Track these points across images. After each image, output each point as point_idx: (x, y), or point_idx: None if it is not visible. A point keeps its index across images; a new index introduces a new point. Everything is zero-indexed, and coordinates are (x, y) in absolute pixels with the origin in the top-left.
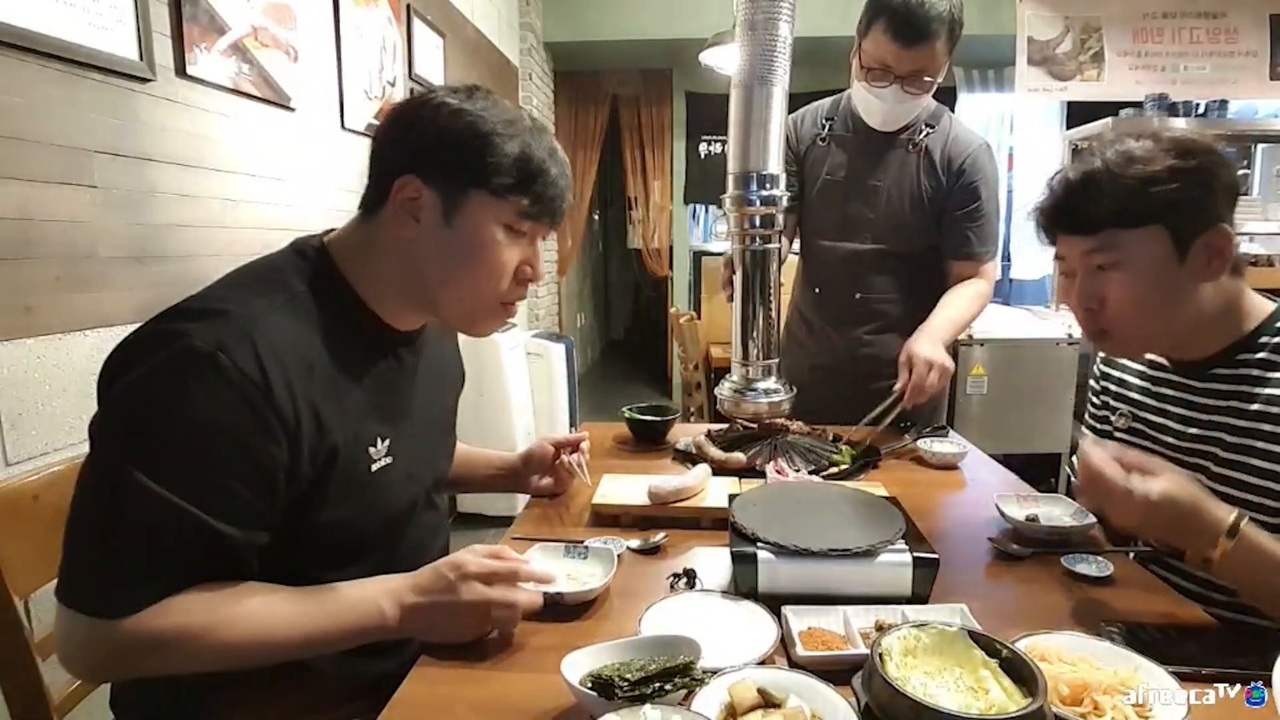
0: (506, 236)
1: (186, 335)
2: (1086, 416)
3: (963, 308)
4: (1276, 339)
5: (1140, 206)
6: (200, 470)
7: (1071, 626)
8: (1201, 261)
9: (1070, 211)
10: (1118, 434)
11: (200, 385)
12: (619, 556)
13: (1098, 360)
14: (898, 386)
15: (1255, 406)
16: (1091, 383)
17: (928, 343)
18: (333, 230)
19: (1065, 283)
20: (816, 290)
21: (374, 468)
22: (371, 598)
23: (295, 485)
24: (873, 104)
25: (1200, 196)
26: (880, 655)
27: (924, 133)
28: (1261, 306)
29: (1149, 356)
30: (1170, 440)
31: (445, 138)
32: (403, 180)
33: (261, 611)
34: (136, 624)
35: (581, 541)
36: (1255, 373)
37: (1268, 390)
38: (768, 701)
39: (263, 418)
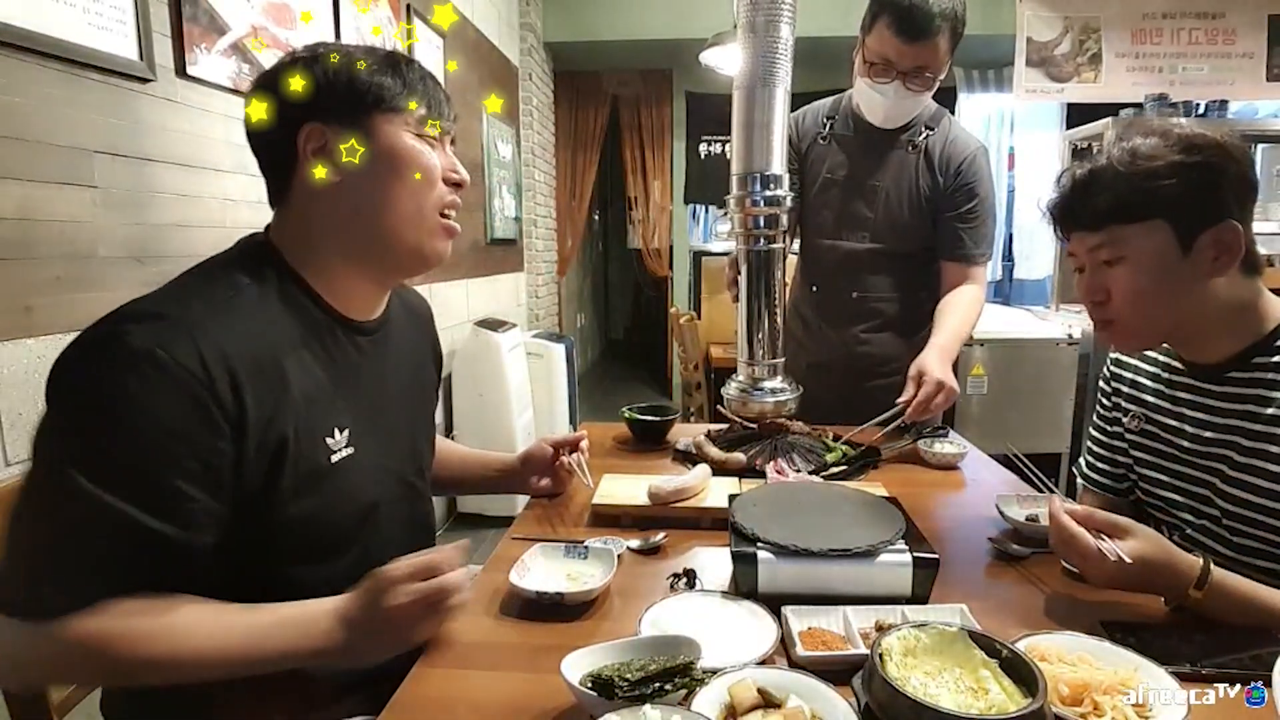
0: (421, 142)
1: (126, 334)
2: (1095, 417)
3: (966, 318)
4: None
5: (1140, 201)
6: (139, 468)
7: (1071, 626)
8: (1208, 256)
9: (1076, 208)
10: (1129, 435)
11: (139, 382)
12: (619, 557)
13: (1108, 361)
14: (903, 399)
15: (1271, 411)
16: (1101, 383)
17: (939, 363)
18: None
19: (1078, 278)
20: (814, 288)
21: (334, 458)
22: (310, 614)
23: (246, 480)
24: (875, 100)
25: (1204, 192)
26: (880, 655)
27: (924, 134)
28: (1278, 308)
29: (1163, 359)
30: (1184, 444)
31: (325, 84)
32: (307, 130)
33: (191, 624)
34: (63, 629)
35: (581, 542)
36: (1271, 376)
37: None
38: (768, 701)
39: (205, 411)
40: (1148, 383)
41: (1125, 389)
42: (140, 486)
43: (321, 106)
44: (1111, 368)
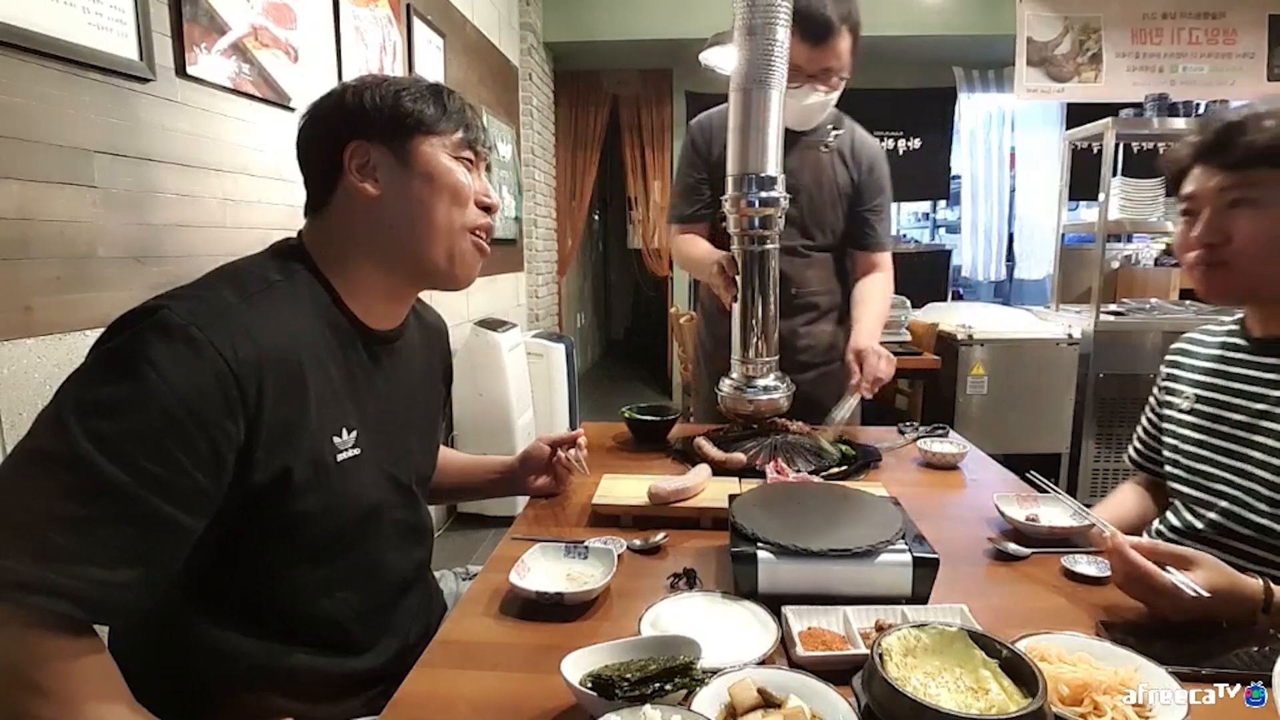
0: (455, 164)
1: (167, 309)
2: (1150, 400)
3: (882, 304)
4: None
5: None
6: (145, 438)
7: (1071, 626)
8: None
9: (1220, 146)
10: (1179, 415)
11: (170, 352)
12: (619, 556)
13: (1180, 341)
14: (854, 381)
15: None
16: (1164, 366)
17: (871, 340)
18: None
19: (1185, 224)
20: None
21: (340, 457)
22: None
23: (254, 470)
24: (789, 104)
25: None
26: (880, 655)
27: (833, 133)
28: None
29: (1224, 337)
30: (1233, 416)
31: (372, 107)
32: (351, 148)
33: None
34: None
35: (581, 542)
36: None
37: None
38: (768, 701)
39: (227, 393)
40: (1206, 364)
41: (1184, 372)
42: (143, 455)
43: (367, 127)
44: (1183, 344)
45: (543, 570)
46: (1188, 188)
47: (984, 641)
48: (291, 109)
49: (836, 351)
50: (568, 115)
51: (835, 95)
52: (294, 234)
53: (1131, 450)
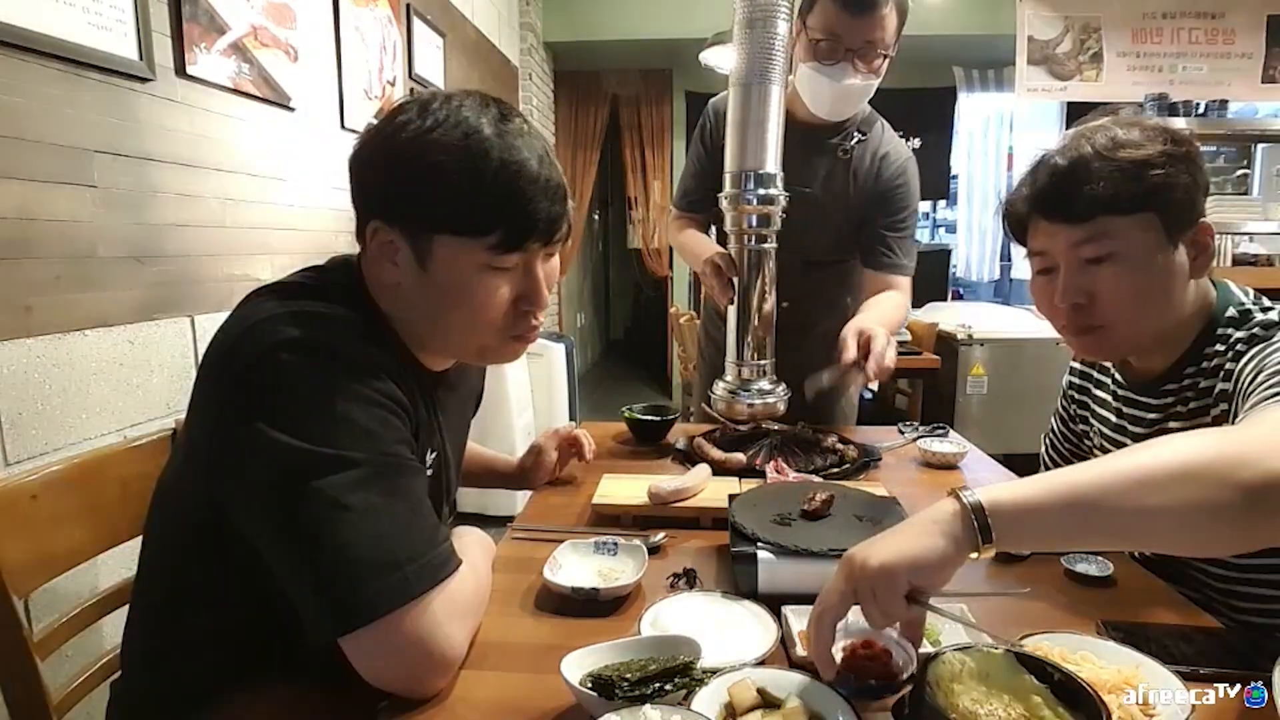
0: (490, 275)
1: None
2: (1059, 413)
3: (892, 311)
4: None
5: (1134, 191)
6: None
7: (1072, 626)
8: (1189, 256)
9: (1058, 198)
10: (1095, 448)
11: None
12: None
13: (1070, 370)
14: (849, 356)
15: (1192, 405)
16: (1067, 388)
17: (874, 323)
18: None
19: (1042, 281)
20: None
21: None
22: None
23: None
24: (821, 86)
25: (1190, 185)
26: (929, 684)
27: (855, 139)
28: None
29: (1112, 374)
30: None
31: (394, 177)
32: (373, 226)
33: None
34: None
35: (609, 538)
36: (1203, 383)
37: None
38: (767, 701)
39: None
40: (1106, 398)
41: (1091, 404)
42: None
43: (384, 208)
44: (1074, 379)
45: (573, 566)
46: (1036, 243)
47: (1032, 665)
48: (291, 109)
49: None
50: (568, 115)
51: (875, 82)
52: (302, 233)
53: (1045, 455)
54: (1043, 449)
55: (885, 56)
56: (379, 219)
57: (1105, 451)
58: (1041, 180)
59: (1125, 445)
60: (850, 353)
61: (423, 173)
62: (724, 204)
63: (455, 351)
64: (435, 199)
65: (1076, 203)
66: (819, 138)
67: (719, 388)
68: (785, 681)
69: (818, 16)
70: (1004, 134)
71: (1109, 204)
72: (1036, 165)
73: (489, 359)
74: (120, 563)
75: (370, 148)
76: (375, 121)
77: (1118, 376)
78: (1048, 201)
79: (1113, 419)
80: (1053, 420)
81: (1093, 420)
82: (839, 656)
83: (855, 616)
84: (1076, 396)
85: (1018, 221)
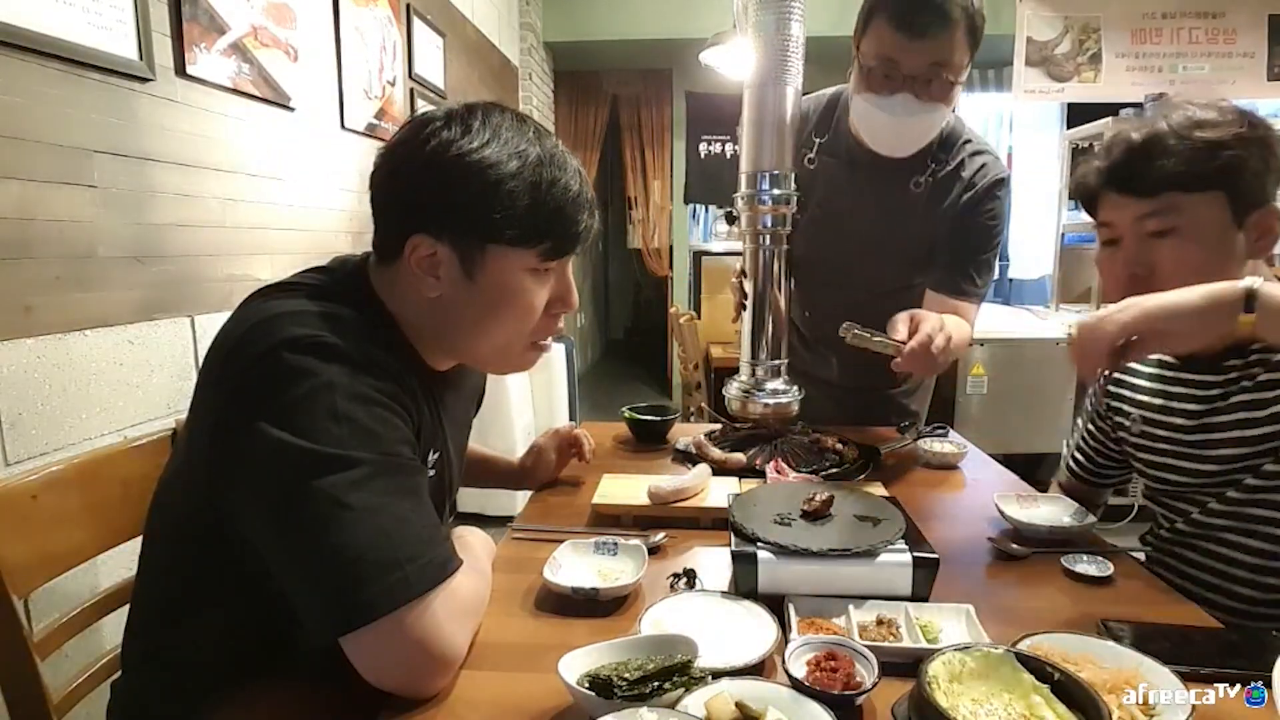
0: (533, 279)
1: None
2: (1087, 411)
3: (956, 329)
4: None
5: (1205, 170)
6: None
7: (1072, 626)
8: (1252, 238)
9: (1129, 172)
10: (1131, 438)
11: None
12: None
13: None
14: (899, 338)
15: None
16: (1092, 398)
17: (934, 319)
18: (368, 257)
19: (1106, 252)
20: (807, 314)
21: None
22: None
23: None
24: (878, 121)
25: (1261, 169)
26: (929, 683)
27: (931, 169)
28: None
29: (1159, 357)
30: (1189, 437)
31: (450, 194)
32: (414, 241)
33: None
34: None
35: (609, 538)
36: (1274, 358)
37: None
38: (746, 715)
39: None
40: (1145, 383)
41: (1126, 391)
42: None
43: (431, 221)
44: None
45: (573, 566)
46: (1103, 214)
47: (1032, 665)
48: (291, 109)
49: (889, 385)
50: (568, 115)
51: (944, 112)
52: (302, 233)
53: (1072, 462)
54: (1067, 449)
55: (954, 84)
56: (423, 233)
57: (1145, 437)
58: (1116, 154)
59: (1172, 424)
60: (900, 334)
61: (482, 190)
62: (739, 204)
63: (478, 355)
64: (494, 213)
65: (1146, 177)
66: (881, 168)
67: (732, 387)
68: (765, 693)
69: (871, 40)
70: (1004, 134)
71: (1178, 180)
72: (1112, 140)
73: (508, 367)
74: (120, 563)
75: (410, 163)
76: (401, 135)
77: (1164, 358)
78: (1119, 175)
79: (1157, 401)
80: (1078, 420)
81: (1128, 407)
82: (804, 672)
83: (822, 633)
84: (1112, 389)
85: (1088, 194)
